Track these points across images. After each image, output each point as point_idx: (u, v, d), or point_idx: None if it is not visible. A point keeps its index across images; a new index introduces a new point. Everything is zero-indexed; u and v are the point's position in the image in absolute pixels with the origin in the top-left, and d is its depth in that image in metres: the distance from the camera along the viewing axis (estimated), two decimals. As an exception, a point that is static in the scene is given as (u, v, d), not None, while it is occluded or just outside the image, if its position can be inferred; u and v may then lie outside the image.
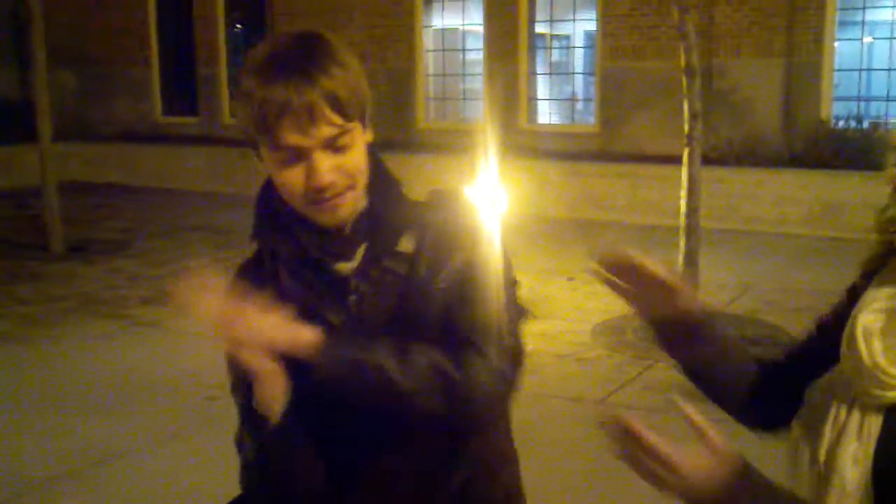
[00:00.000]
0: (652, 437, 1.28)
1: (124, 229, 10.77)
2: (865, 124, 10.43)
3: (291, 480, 1.44)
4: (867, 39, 11.92)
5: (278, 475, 1.44)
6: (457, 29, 13.90)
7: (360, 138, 1.40)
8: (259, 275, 1.50)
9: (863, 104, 11.45)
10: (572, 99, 14.24)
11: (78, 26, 16.08)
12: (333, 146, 1.36)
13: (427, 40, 13.64)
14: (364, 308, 1.45)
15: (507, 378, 1.45)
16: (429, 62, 13.73)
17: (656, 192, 10.25)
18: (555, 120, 13.76)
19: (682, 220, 6.11)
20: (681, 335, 1.56)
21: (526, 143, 11.92)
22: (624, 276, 1.50)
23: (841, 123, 10.47)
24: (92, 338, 6.45)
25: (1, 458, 4.45)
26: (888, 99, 10.89)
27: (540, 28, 13.50)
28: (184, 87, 15.85)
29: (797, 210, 9.81)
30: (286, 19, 14.15)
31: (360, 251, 1.45)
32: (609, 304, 6.98)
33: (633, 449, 1.30)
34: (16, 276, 8.34)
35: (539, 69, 13.49)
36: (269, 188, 1.48)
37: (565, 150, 11.93)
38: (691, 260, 6.06)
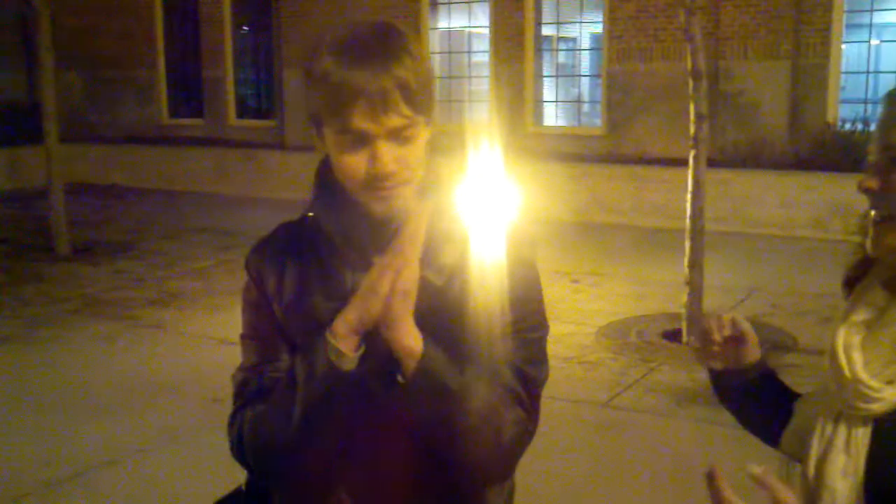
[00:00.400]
0: (727, 493, 1.27)
1: (130, 231, 10.79)
2: (872, 127, 10.37)
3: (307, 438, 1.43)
4: (874, 42, 11.89)
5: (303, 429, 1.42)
6: (463, 31, 13.90)
7: (423, 133, 1.42)
8: (295, 246, 1.52)
9: (870, 107, 11.41)
10: (578, 101, 14.23)
11: (84, 29, 16.13)
12: (399, 136, 1.37)
13: (433, 42, 13.65)
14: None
15: (532, 433, 1.49)
16: (435, 64, 13.74)
17: (662, 194, 10.23)
18: (561, 122, 13.76)
19: (688, 223, 6.09)
20: (739, 387, 1.60)
21: (532, 146, 11.91)
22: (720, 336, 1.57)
23: (848, 126, 10.45)
24: (97, 339, 6.46)
25: (5, 459, 4.45)
26: (896, 102, 10.84)
27: (546, 30, 13.49)
28: (190, 90, 15.89)
29: (804, 213, 9.78)
30: (292, 22, 14.18)
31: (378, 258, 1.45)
32: (613, 307, 6.98)
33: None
34: (21, 278, 8.35)
35: (545, 71, 13.49)
36: (326, 166, 1.49)
37: (571, 152, 11.92)
38: (696, 263, 6.04)
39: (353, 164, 1.38)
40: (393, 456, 1.48)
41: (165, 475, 4.31)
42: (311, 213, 1.50)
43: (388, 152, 1.36)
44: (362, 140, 1.36)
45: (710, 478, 1.27)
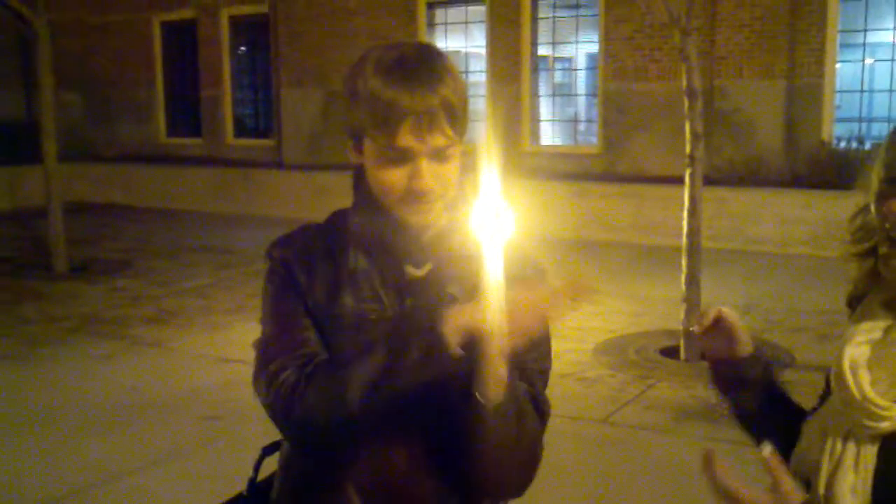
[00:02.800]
0: (724, 479, 1.31)
1: (127, 249, 10.80)
2: (867, 145, 10.45)
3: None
4: (868, 61, 11.96)
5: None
6: (460, 51, 13.98)
7: (459, 153, 1.47)
8: (328, 244, 1.53)
9: (864, 125, 11.48)
10: (575, 120, 14.29)
11: (83, 49, 16.22)
12: (439, 155, 1.43)
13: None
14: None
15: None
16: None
17: (659, 212, 10.27)
18: (558, 141, 13.81)
19: (685, 241, 6.11)
20: (733, 378, 1.63)
21: (529, 165, 11.97)
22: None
23: (843, 144, 10.50)
24: (94, 357, 6.45)
25: (4, 477, 4.44)
26: (889, 120, 10.92)
27: (542, 50, 13.58)
28: (188, 109, 15.95)
29: (800, 230, 9.81)
30: (290, 42, 14.26)
31: (428, 267, 1.50)
32: (611, 324, 6.99)
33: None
34: (19, 296, 8.36)
35: (542, 91, 13.56)
36: (361, 175, 1.52)
37: (568, 170, 11.98)
38: (693, 280, 6.06)
39: (394, 178, 1.43)
40: (408, 461, 1.50)
41: (164, 493, 4.31)
42: (356, 220, 1.52)
43: (428, 170, 1.42)
44: (405, 157, 1.41)
45: (707, 461, 1.30)
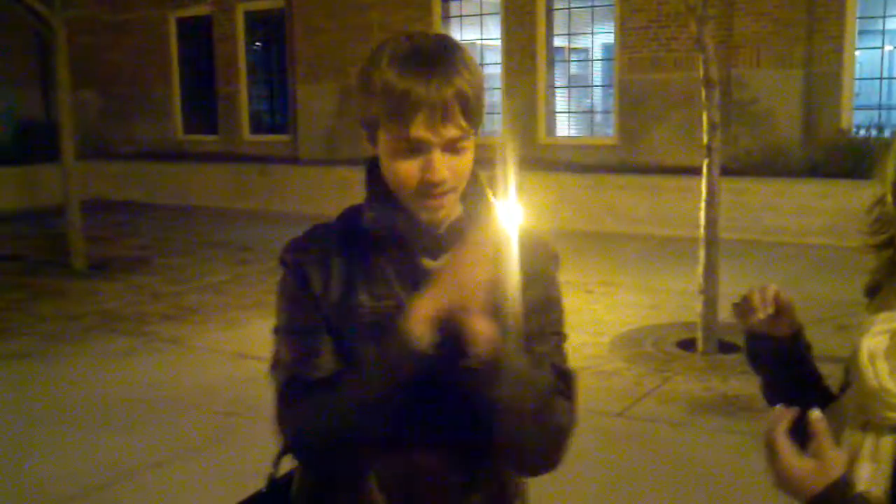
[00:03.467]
0: (777, 436, 1.36)
1: (145, 246, 10.86)
2: (887, 133, 10.35)
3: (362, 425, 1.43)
4: (888, 48, 11.86)
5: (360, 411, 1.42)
6: (475, 43, 13.95)
7: (472, 144, 1.47)
8: (341, 241, 1.54)
9: (884, 113, 11.37)
10: (591, 111, 14.24)
11: (100, 47, 16.30)
12: (453, 147, 1.43)
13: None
14: None
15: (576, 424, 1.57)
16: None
17: (676, 203, 10.21)
18: (574, 133, 13.76)
19: (702, 232, 6.07)
20: (769, 353, 1.65)
21: (545, 157, 11.93)
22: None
23: (862, 132, 10.41)
24: (113, 354, 6.49)
25: (22, 475, 4.48)
26: (909, 107, 10.82)
27: (558, 41, 13.52)
28: (204, 106, 16.00)
29: (818, 220, 9.73)
30: (305, 37, 14.27)
31: (445, 258, 1.49)
32: (628, 317, 6.96)
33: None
34: (38, 294, 8.42)
35: (558, 82, 13.51)
36: (374, 168, 1.53)
37: (585, 162, 11.93)
38: (711, 272, 6.02)
39: (407, 170, 1.43)
40: (431, 457, 1.51)
41: (182, 489, 4.33)
42: (369, 214, 1.52)
43: (442, 162, 1.42)
44: (419, 149, 1.41)
45: (780, 417, 1.34)
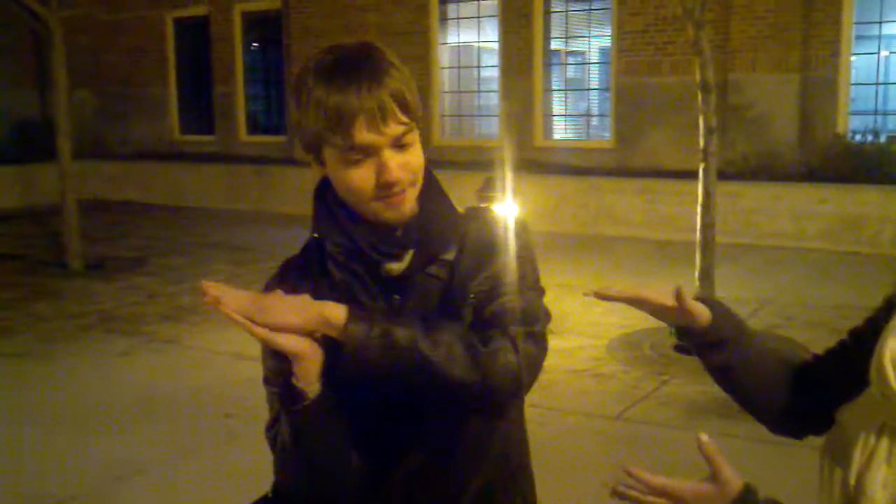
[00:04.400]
0: (654, 478, 1.41)
1: (142, 247, 10.85)
2: (882, 138, 10.39)
3: (325, 462, 1.48)
4: (884, 53, 11.89)
5: (312, 457, 1.46)
6: (472, 46, 13.97)
7: (418, 138, 1.49)
8: (305, 271, 1.56)
9: (880, 118, 11.40)
10: (588, 114, 14.26)
11: (96, 47, 16.28)
12: (400, 144, 1.44)
13: (443, 57, 13.72)
14: (406, 308, 1.51)
15: (532, 357, 1.49)
16: (444, 79, 13.80)
17: (672, 207, 10.23)
18: (570, 136, 13.78)
19: (698, 235, 6.09)
20: (703, 343, 1.63)
21: (541, 159, 11.95)
22: (632, 304, 1.65)
23: (858, 137, 10.43)
24: (110, 355, 6.49)
25: (20, 475, 4.48)
26: (905, 113, 10.85)
27: (555, 44, 13.55)
28: (201, 106, 15.99)
29: (815, 224, 9.76)
30: (302, 38, 14.26)
31: (409, 255, 1.51)
32: (625, 319, 6.97)
33: (641, 494, 1.43)
34: (35, 294, 8.41)
35: (554, 85, 13.53)
36: (324, 188, 1.54)
37: (581, 165, 11.95)
38: (707, 275, 6.04)
39: (361, 177, 1.44)
40: (419, 460, 1.54)
41: (181, 490, 4.33)
42: (315, 235, 1.54)
43: (393, 159, 1.43)
44: (367, 152, 1.42)
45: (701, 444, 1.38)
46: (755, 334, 1.68)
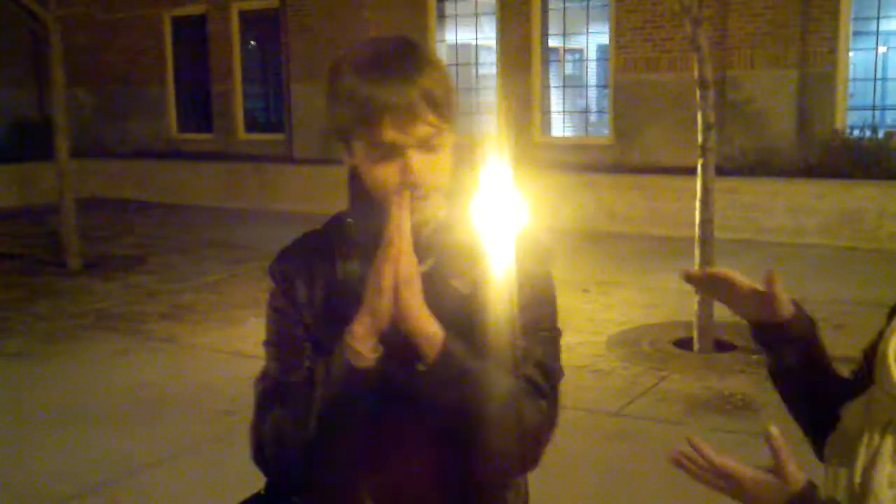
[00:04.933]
0: (718, 458, 1.42)
1: (140, 245, 10.84)
2: (881, 134, 10.39)
3: (329, 443, 1.45)
4: (881, 49, 11.87)
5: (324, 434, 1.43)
6: (470, 43, 13.96)
7: (449, 141, 1.45)
8: (326, 250, 1.54)
9: (878, 113, 11.41)
10: (586, 111, 14.25)
11: (94, 45, 16.24)
12: (427, 145, 1.41)
13: (441, 55, 13.70)
14: None
15: (543, 423, 1.51)
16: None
17: (671, 203, 10.23)
18: (569, 132, 13.78)
19: (697, 231, 6.10)
20: (781, 338, 1.60)
21: (540, 156, 11.94)
22: (717, 287, 1.63)
23: (856, 133, 10.44)
24: (109, 353, 6.49)
25: (19, 474, 4.48)
26: (903, 108, 10.85)
27: (553, 41, 13.53)
28: (199, 104, 15.98)
29: (813, 220, 9.76)
30: (299, 36, 14.26)
31: (430, 261, 1.48)
32: (624, 316, 6.98)
33: (700, 469, 1.45)
34: (33, 293, 8.40)
35: (553, 82, 13.52)
36: (355, 176, 1.52)
37: (580, 162, 11.94)
38: (706, 271, 6.04)
39: (385, 175, 1.42)
40: (414, 458, 1.50)
41: (179, 488, 4.33)
42: (349, 220, 1.52)
43: (417, 161, 1.40)
44: (392, 151, 1.40)
45: (697, 448, 1.41)
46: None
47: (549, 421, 1.50)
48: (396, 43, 1.44)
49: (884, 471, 1.33)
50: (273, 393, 1.52)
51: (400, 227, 1.34)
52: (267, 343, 1.56)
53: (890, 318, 1.48)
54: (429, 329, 1.37)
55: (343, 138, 1.46)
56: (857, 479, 1.35)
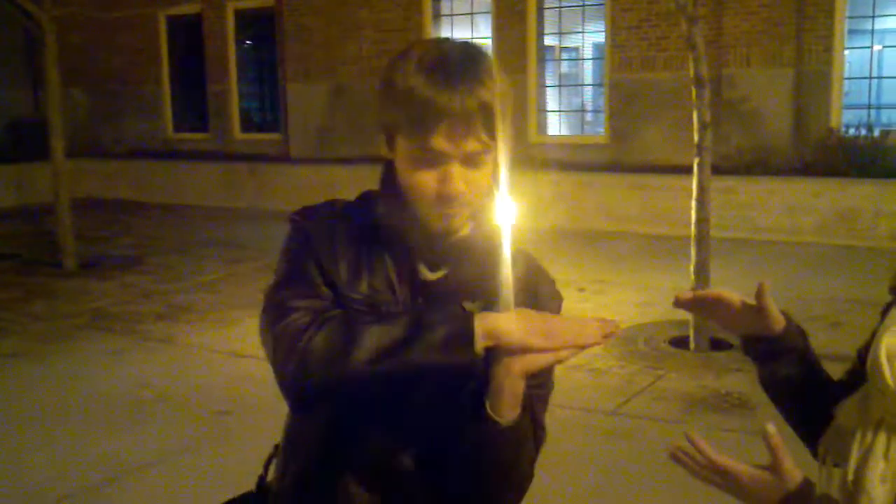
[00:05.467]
0: (716, 455, 1.45)
1: (137, 245, 10.83)
2: (876, 132, 10.41)
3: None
4: (877, 47, 11.90)
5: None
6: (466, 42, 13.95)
7: (492, 159, 1.42)
8: (350, 225, 1.50)
9: (873, 112, 11.42)
10: (582, 110, 14.26)
11: (89, 45, 16.22)
12: (472, 161, 1.40)
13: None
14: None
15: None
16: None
17: (667, 202, 10.24)
18: (565, 131, 13.79)
19: (693, 230, 6.10)
20: (773, 351, 1.62)
21: (536, 155, 11.94)
22: (708, 308, 1.63)
23: (851, 131, 10.46)
24: (104, 354, 6.48)
25: (15, 475, 4.47)
26: (898, 106, 10.87)
27: (549, 40, 13.54)
28: (194, 104, 15.96)
29: (809, 219, 9.78)
30: (295, 36, 14.25)
31: (443, 272, 1.48)
32: (619, 315, 6.97)
33: (698, 465, 1.47)
34: (29, 293, 8.39)
35: (548, 81, 13.52)
36: (391, 169, 1.49)
37: (576, 161, 11.95)
38: (702, 270, 6.05)
39: (424, 181, 1.40)
40: (412, 454, 1.50)
41: (175, 488, 4.32)
42: (382, 209, 1.49)
43: (460, 175, 1.39)
44: (438, 160, 1.39)
45: (695, 444, 1.37)
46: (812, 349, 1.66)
47: (532, 469, 1.53)
48: (465, 49, 1.42)
49: (877, 468, 1.33)
50: (316, 313, 1.38)
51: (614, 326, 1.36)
52: (279, 283, 1.45)
53: (883, 316, 1.48)
54: (520, 389, 1.36)
55: (389, 132, 1.44)
56: (851, 476, 1.36)
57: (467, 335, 1.31)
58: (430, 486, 1.51)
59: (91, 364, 6.27)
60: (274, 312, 1.40)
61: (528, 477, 1.49)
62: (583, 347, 1.34)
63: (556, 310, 1.57)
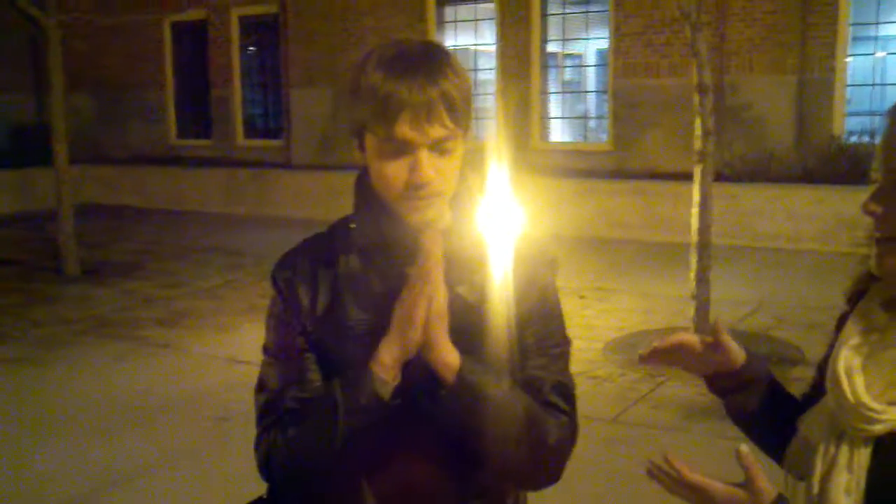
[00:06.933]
0: (690, 474, 1.47)
1: (138, 251, 10.83)
2: (877, 140, 10.36)
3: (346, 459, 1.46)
4: (880, 54, 11.89)
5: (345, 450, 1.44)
6: (469, 49, 13.97)
7: (460, 147, 1.47)
8: (328, 254, 1.55)
9: (876, 119, 11.39)
10: (585, 117, 14.26)
11: (93, 50, 16.28)
12: (439, 148, 1.43)
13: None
14: None
15: (576, 435, 1.57)
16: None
17: (670, 209, 10.23)
18: (567, 138, 13.78)
19: (695, 237, 6.09)
20: (737, 385, 1.63)
21: (539, 162, 11.94)
22: (671, 356, 1.62)
23: (854, 139, 10.44)
24: (106, 359, 6.48)
25: (17, 480, 4.47)
26: (902, 114, 10.83)
27: (552, 47, 13.55)
28: (198, 110, 15.98)
29: (811, 226, 9.76)
30: (299, 42, 14.27)
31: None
32: (620, 322, 6.97)
33: (673, 482, 1.50)
34: (30, 298, 8.39)
35: (551, 88, 13.53)
36: (364, 178, 1.54)
37: (578, 167, 11.95)
38: (703, 277, 6.03)
39: (394, 171, 1.43)
40: (423, 466, 1.51)
41: (176, 494, 4.32)
42: (352, 225, 1.53)
43: (428, 162, 1.42)
44: (405, 149, 1.41)
45: (668, 463, 1.38)
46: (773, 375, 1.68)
47: (570, 435, 1.55)
48: (423, 45, 1.47)
49: (840, 480, 1.35)
50: (275, 408, 1.51)
51: (433, 258, 1.36)
52: (266, 350, 1.58)
53: (838, 328, 1.50)
54: (448, 358, 1.39)
55: (358, 133, 1.48)
56: (816, 490, 1.37)
57: (373, 392, 1.39)
58: (450, 495, 1.52)
59: (92, 370, 6.27)
60: (258, 381, 1.56)
61: (547, 444, 1.49)
62: (430, 298, 1.37)
63: (553, 283, 1.61)
